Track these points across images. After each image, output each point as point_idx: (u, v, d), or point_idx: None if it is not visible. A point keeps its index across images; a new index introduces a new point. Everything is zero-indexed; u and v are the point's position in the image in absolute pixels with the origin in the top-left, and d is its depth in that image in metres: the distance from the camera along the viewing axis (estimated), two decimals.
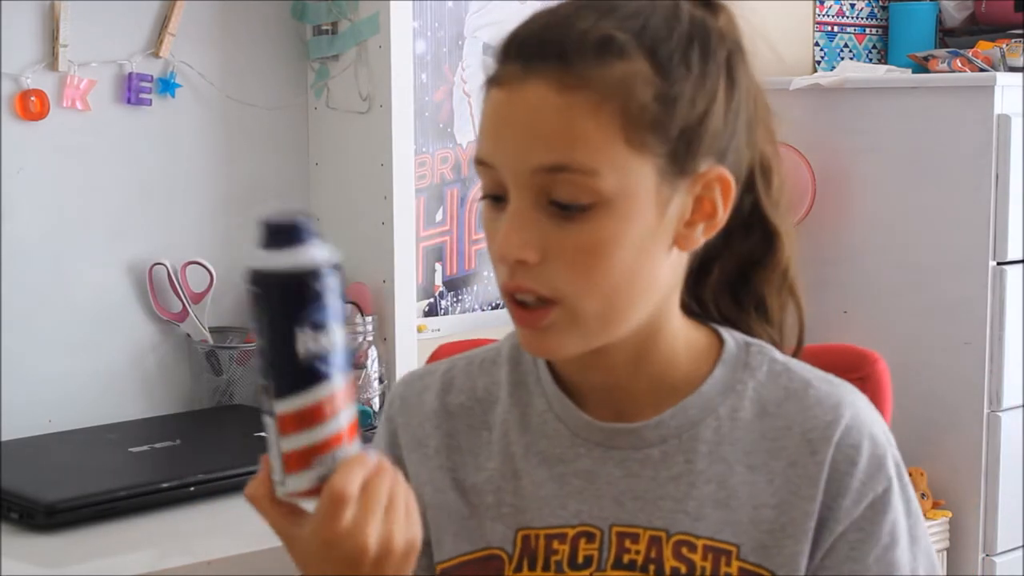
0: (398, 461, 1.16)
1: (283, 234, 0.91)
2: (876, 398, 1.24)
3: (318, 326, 0.91)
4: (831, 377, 1.12)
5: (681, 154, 1.03)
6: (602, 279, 1.02)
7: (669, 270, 1.07)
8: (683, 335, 1.12)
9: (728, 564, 1.06)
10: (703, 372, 1.11)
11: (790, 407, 1.09)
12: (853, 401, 1.10)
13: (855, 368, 1.33)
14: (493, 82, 1.04)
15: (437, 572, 1.14)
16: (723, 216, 1.07)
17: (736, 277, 1.15)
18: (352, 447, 0.95)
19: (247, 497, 0.98)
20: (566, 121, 0.99)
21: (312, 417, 0.93)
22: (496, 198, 1.04)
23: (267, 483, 0.96)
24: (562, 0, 1.06)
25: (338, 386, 0.93)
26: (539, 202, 1.01)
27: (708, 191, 1.05)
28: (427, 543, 1.15)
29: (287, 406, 0.92)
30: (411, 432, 1.17)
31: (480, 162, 1.04)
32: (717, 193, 1.06)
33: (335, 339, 0.92)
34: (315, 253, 0.91)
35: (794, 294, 1.16)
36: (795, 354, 1.16)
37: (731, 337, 1.13)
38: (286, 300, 0.91)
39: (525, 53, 1.02)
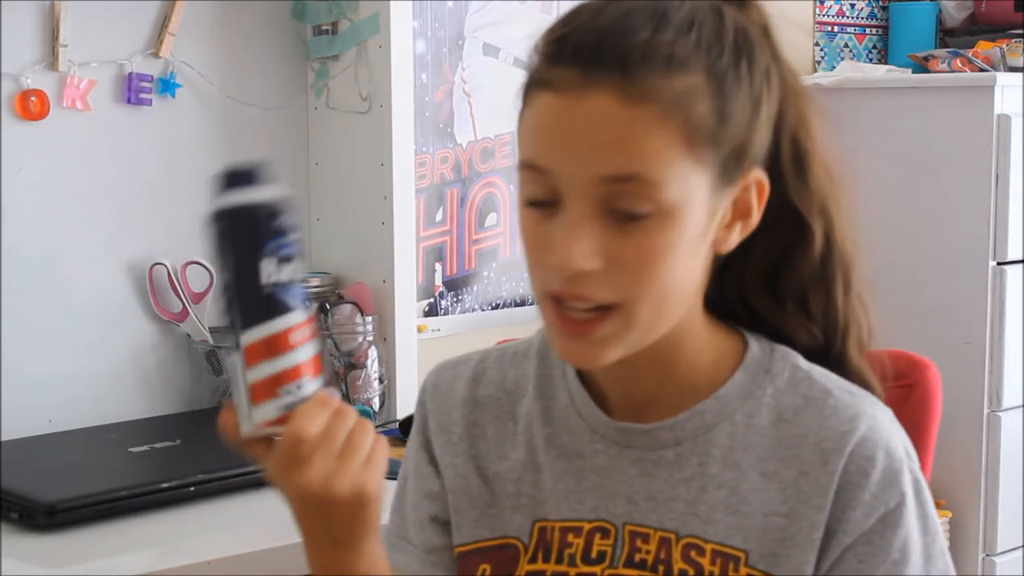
0: (427, 444, 1.19)
1: (243, 176, 0.98)
2: (924, 406, 1.21)
3: (280, 258, 0.97)
4: (854, 388, 1.11)
5: (731, 166, 1.04)
6: (658, 284, 1.02)
7: (703, 271, 1.08)
8: (707, 338, 1.11)
9: (736, 570, 1.06)
10: (724, 376, 1.11)
11: (807, 416, 1.08)
12: (873, 414, 1.08)
13: (904, 375, 1.29)
14: (545, 86, 1.02)
15: (455, 554, 1.16)
16: (757, 217, 1.08)
17: (770, 272, 1.13)
18: (315, 383, 1.00)
19: (220, 428, 1.03)
20: (633, 133, 0.99)
21: (276, 346, 0.98)
22: (544, 204, 1.03)
23: (232, 420, 1.02)
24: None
25: (300, 318, 0.98)
26: (598, 210, 1.01)
27: (745, 193, 1.06)
28: (447, 523, 1.17)
29: (252, 336, 0.98)
30: (438, 418, 1.18)
31: (532, 167, 1.02)
32: (753, 194, 1.07)
33: (295, 272, 0.98)
34: (273, 191, 0.98)
35: (848, 290, 1.13)
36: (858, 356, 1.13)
37: (756, 342, 1.12)
38: (250, 231, 0.97)
39: (582, 59, 1.00)
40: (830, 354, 1.13)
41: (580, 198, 1.00)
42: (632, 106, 0.99)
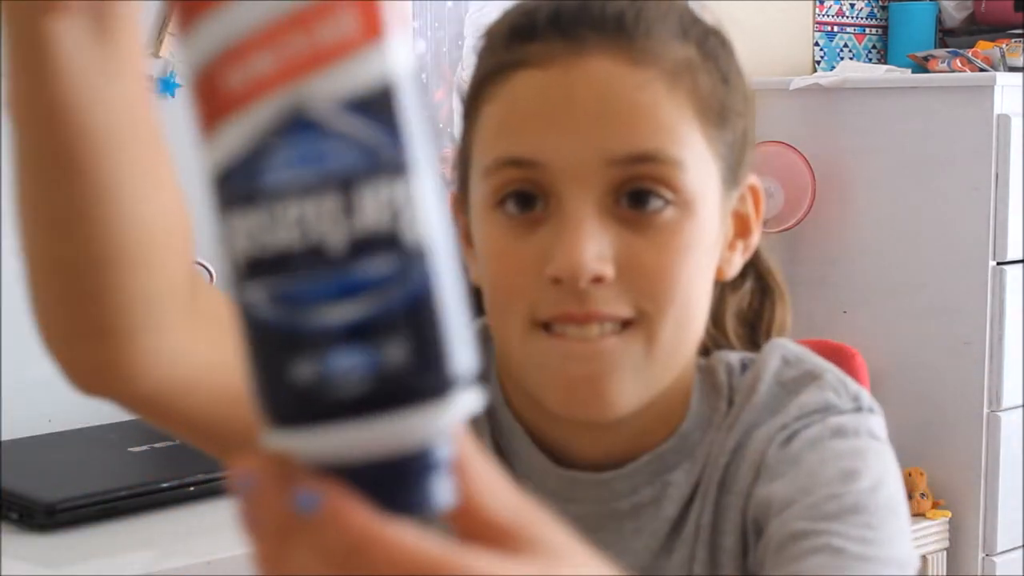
0: None
1: None
2: None
3: None
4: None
5: (735, 163, 0.88)
6: (681, 294, 0.83)
7: (709, 302, 0.88)
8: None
9: None
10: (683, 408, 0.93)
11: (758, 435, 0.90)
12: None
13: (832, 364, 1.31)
14: (517, 66, 0.83)
15: None
16: (757, 236, 0.92)
17: (749, 332, 1.01)
18: None
19: None
20: (644, 102, 0.81)
21: None
22: (526, 209, 0.83)
23: None
24: None
25: None
26: (603, 203, 0.81)
27: (743, 204, 0.91)
28: None
29: None
30: None
31: (514, 162, 0.82)
32: (750, 205, 0.91)
33: None
34: None
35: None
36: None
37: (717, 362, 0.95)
38: None
39: (564, 27, 0.82)
40: None
41: (580, 188, 0.81)
42: (641, 68, 0.81)
